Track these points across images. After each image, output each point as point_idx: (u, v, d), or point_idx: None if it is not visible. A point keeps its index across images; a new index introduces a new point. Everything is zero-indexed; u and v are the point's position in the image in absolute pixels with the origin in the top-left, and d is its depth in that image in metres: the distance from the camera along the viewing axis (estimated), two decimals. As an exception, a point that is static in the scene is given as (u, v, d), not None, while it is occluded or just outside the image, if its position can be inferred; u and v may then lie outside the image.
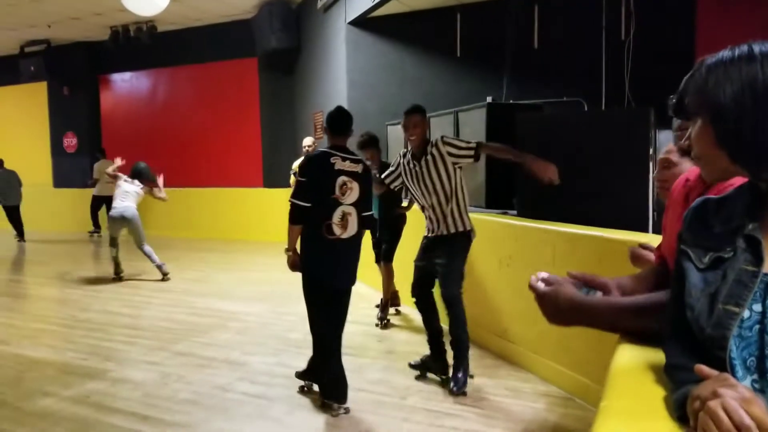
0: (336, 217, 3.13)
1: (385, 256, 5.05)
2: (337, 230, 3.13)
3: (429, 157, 3.55)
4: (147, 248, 6.72)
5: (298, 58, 9.54)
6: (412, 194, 3.79)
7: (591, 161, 3.60)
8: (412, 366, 3.74)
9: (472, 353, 3.91)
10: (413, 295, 3.73)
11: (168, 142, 11.21)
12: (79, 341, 4.61)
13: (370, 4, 6.57)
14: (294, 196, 3.14)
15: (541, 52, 6.73)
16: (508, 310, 3.91)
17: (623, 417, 0.91)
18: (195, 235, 10.65)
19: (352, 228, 3.19)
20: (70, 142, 12.18)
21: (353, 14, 7.07)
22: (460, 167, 3.53)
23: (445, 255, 3.50)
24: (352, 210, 3.19)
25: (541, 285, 1.36)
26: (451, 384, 3.43)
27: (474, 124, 4.88)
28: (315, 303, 3.22)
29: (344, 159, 3.19)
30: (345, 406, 3.20)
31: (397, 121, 6.33)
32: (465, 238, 3.55)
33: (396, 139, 6.32)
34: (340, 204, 3.14)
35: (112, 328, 4.96)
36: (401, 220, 5.07)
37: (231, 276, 7.04)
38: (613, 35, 6.19)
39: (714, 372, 0.84)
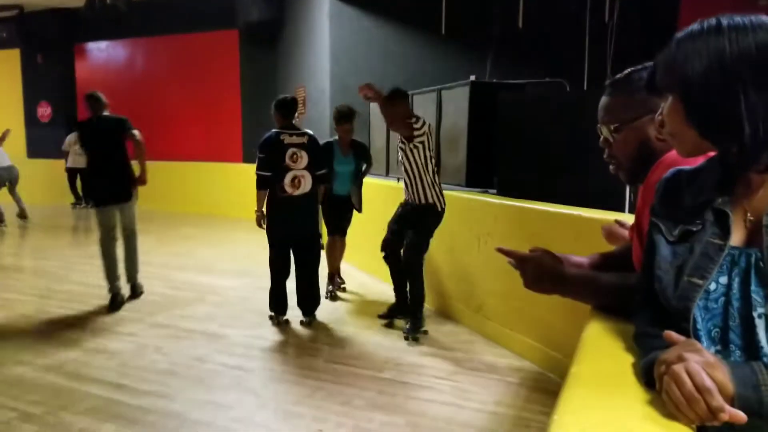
0: (288, 179, 4.07)
1: (343, 230, 5.15)
2: (288, 189, 4.08)
3: (401, 140, 3.96)
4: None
5: (281, 31, 9.39)
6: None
7: (570, 141, 3.62)
8: (380, 316, 4.27)
9: (449, 329, 3.97)
10: (383, 250, 4.13)
11: (146, 115, 10.96)
12: (54, 311, 4.56)
13: (355, -22, 6.47)
14: (258, 169, 4.12)
15: (526, 32, 6.71)
16: (485, 287, 3.96)
17: (593, 382, 0.93)
18: (174, 209, 10.53)
19: (305, 187, 4.14)
20: (44, 111, 11.88)
21: (337, -12, 6.96)
22: (415, 147, 3.85)
23: (414, 224, 3.97)
24: (305, 173, 4.13)
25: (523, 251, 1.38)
26: (406, 328, 3.96)
27: (457, 102, 4.87)
28: (273, 245, 4.22)
29: (291, 135, 4.13)
30: (309, 317, 4.31)
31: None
32: (431, 210, 3.92)
33: (378, 116, 6.28)
34: (292, 169, 4.08)
35: (89, 299, 4.90)
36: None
37: (211, 250, 7.00)
38: (596, 17, 6.21)
39: (681, 338, 0.86)
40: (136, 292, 5.00)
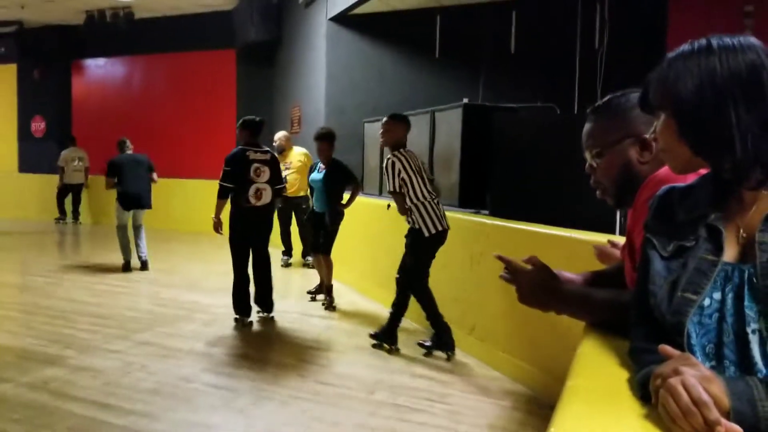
0: (251, 191, 4.49)
1: (324, 248, 5.23)
2: (252, 200, 4.51)
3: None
4: None
5: (278, 51, 9.48)
6: None
7: (561, 164, 3.65)
8: (420, 344, 4.05)
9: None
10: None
11: (140, 132, 10.96)
12: (39, 328, 4.49)
13: (352, 1, 6.57)
14: (221, 180, 4.52)
15: (518, 57, 6.81)
16: (478, 308, 3.94)
17: (588, 395, 0.92)
18: (165, 226, 10.46)
19: (266, 198, 4.58)
20: (38, 126, 11.86)
21: (335, 10, 7.05)
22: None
23: (407, 246, 4.02)
24: (266, 186, 4.57)
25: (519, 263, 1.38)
26: (376, 333, 4.06)
27: (450, 123, 4.92)
28: (235, 250, 4.64)
29: (256, 152, 4.59)
30: (271, 315, 4.77)
31: (375, 119, 6.35)
32: (415, 235, 3.94)
33: (372, 137, 6.32)
34: (255, 183, 4.51)
35: (75, 315, 4.84)
36: (340, 216, 5.21)
37: (199, 267, 6.95)
38: (587, 44, 6.31)
39: (677, 352, 0.85)
40: (146, 266, 6.73)
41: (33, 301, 5.37)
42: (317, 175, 5.21)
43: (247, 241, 4.60)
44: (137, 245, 6.78)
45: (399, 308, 4.04)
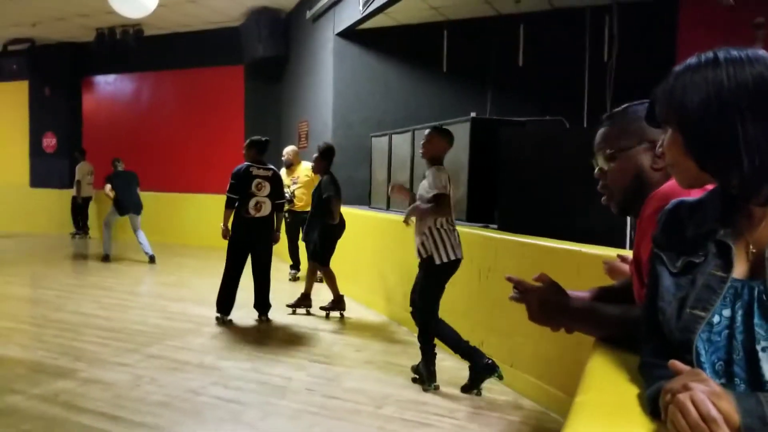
0: (252, 204, 4.97)
1: (311, 256, 5.40)
2: (251, 212, 4.99)
3: (423, 181, 3.72)
4: None
5: (285, 67, 9.56)
6: None
7: (570, 177, 3.64)
8: (464, 389, 3.61)
9: (451, 365, 3.92)
10: (412, 305, 3.87)
11: (149, 147, 11.10)
12: (50, 341, 4.51)
13: (359, 17, 6.63)
14: (228, 191, 4.99)
15: (526, 70, 6.84)
16: (486, 323, 3.92)
17: (598, 411, 0.92)
18: (173, 240, 10.53)
19: (265, 211, 5.05)
20: (50, 142, 12.00)
21: (342, 26, 7.12)
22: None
23: (421, 275, 3.73)
24: (266, 200, 5.04)
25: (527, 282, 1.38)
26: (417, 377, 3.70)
27: (458, 138, 4.90)
28: (231, 253, 5.08)
29: (259, 168, 5.07)
30: (265, 317, 5.21)
31: (382, 133, 6.39)
32: (426, 263, 3.63)
33: (380, 151, 6.35)
34: (256, 196, 4.99)
35: (85, 329, 4.86)
36: (333, 228, 5.26)
37: (207, 281, 6.94)
38: (595, 57, 6.33)
39: (686, 368, 0.85)
40: (153, 260, 8.21)
41: (43, 314, 5.40)
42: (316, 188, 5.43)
43: (246, 247, 5.07)
44: (141, 244, 8.27)
45: (426, 345, 3.66)
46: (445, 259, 3.58)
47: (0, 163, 11.01)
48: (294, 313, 5.49)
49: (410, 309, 3.88)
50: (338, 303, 5.40)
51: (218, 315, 5.09)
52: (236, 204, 4.98)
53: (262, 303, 5.20)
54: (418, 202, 3.65)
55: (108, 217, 8.38)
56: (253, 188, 4.99)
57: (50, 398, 3.37)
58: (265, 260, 5.16)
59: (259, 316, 5.23)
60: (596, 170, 1.41)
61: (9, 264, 8.31)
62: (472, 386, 3.59)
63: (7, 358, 4.12)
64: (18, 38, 11.11)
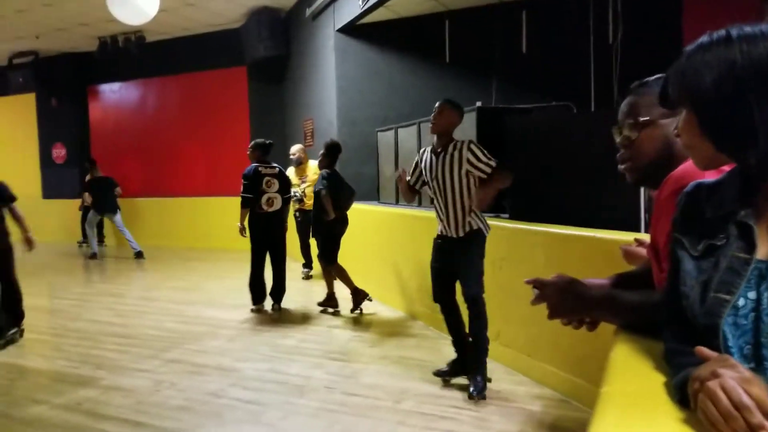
0: (264, 200, 5.42)
1: (321, 257, 5.43)
2: (265, 207, 5.43)
3: (447, 156, 3.48)
4: None
5: (287, 66, 9.55)
6: (429, 190, 3.68)
7: (581, 163, 3.61)
8: (437, 374, 3.63)
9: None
10: (435, 300, 3.69)
11: (157, 152, 11.16)
12: (69, 350, 4.55)
13: (359, 12, 6.59)
14: (242, 192, 5.41)
15: (530, 57, 6.77)
16: (501, 313, 3.90)
17: (625, 401, 0.90)
18: (184, 245, 10.59)
19: (277, 205, 5.50)
20: (59, 152, 12.08)
21: (342, 21, 7.09)
22: (473, 176, 3.45)
23: (464, 255, 3.48)
24: (277, 195, 5.50)
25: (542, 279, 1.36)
26: (471, 389, 3.37)
27: (464, 128, 4.87)
28: (254, 249, 5.56)
29: (266, 167, 5.51)
30: (278, 306, 5.63)
31: (388, 127, 6.36)
32: (478, 235, 3.49)
33: (387, 146, 6.33)
34: (267, 192, 5.43)
35: (103, 336, 4.90)
36: (331, 224, 5.23)
37: (219, 284, 6.99)
38: (600, 39, 6.24)
39: (714, 354, 0.83)
40: (141, 255, 9.14)
41: (62, 323, 5.45)
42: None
43: (266, 240, 5.51)
44: (129, 241, 9.28)
45: (485, 328, 3.47)
46: (487, 231, 3.52)
47: (12, 176, 10.98)
48: (325, 311, 5.55)
49: (439, 304, 3.65)
50: (329, 297, 5.50)
51: (253, 306, 5.60)
52: (251, 202, 5.40)
53: (277, 291, 5.62)
54: (487, 188, 3.42)
55: (90, 219, 9.53)
56: (264, 186, 5.43)
57: (73, 407, 3.40)
58: (280, 251, 5.61)
59: (272, 305, 5.60)
60: (619, 139, 1.38)
61: (25, 275, 8.32)
62: (452, 374, 3.61)
63: (29, 369, 4.17)
64: (22, 51, 11.19)
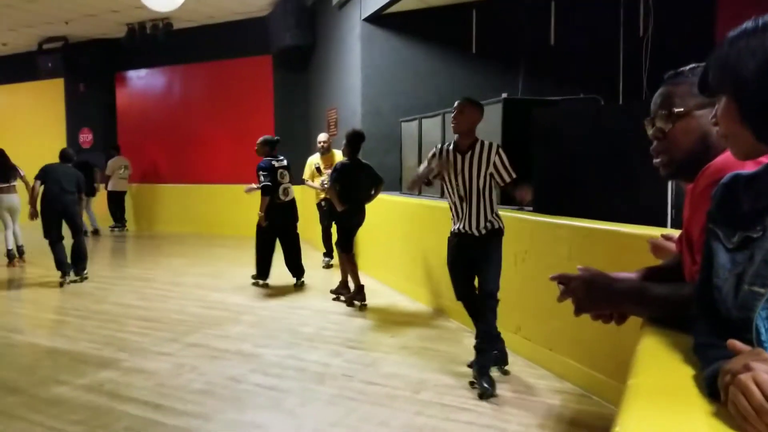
0: (280, 190, 5.97)
1: (340, 246, 5.38)
2: (282, 197, 5.98)
3: (474, 155, 3.50)
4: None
5: (313, 54, 9.55)
6: (446, 186, 3.66)
7: (608, 156, 3.55)
8: (470, 365, 3.56)
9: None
10: (458, 299, 3.70)
11: (182, 139, 11.27)
12: (93, 332, 4.64)
13: (386, 1, 6.55)
14: (264, 182, 5.86)
15: (558, 49, 6.67)
16: (523, 306, 3.88)
17: (653, 393, 0.88)
18: (209, 231, 10.71)
19: (291, 195, 6.10)
20: (86, 138, 12.29)
21: (368, 11, 7.06)
22: (494, 179, 3.53)
23: (486, 253, 3.49)
24: (289, 185, 6.09)
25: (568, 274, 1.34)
26: (484, 384, 3.29)
27: (490, 119, 4.83)
28: (263, 235, 6.07)
29: (278, 161, 6.03)
30: (300, 281, 6.23)
31: (412, 118, 6.33)
32: (499, 234, 3.54)
33: (410, 136, 6.31)
34: (281, 183, 5.99)
35: (126, 319, 4.99)
36: (350, 216, 5.27)
37: (243, 271, 7.04)
38: (630, 32, 6.12)
39: (746, 347, 0.81)
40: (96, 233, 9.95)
41: (86, 305, 5.56)
42: None
43: (277, 227, 6.01)
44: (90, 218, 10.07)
45: (495, 322, 3.50)
46: (501, 224, 3.57)
47: (40, 159, 11.21)
48: (338, 299, 5.58)
49: (462, 302, 3.68)
50: (359, 290, 5.37)
51: (257, 280, 6.20)
52: (271, 191, 5.84)
53: (297, 268, 6.17)
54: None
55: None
56: (279, 178, 5.95)
57: (96, 388, 3.46)
58: (294, 236, 6.19)
59: (296, 282, 6.17)
60: (653, 130, 1.33)
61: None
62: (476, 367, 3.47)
63: (53, 350, 4.26)
64: (52, 36, 11.35)
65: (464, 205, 3.54)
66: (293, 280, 6.21)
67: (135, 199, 11.79)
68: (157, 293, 6.04)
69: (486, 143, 3.54)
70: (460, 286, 3.65)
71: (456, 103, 3.57)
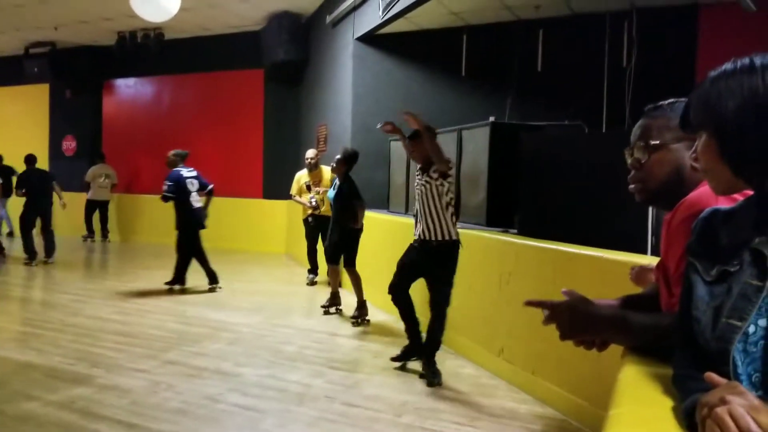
0: (191, 198, 6.65)
1: (347, 261, 5.50)
2: (193, 204, 6.66)
3: (427, 176, 3.93)
4: None
5: (305, 71, 9.60)
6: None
7: (591, 182, 3.59)
8: (394, 359, 4.12)
9: (470, 372, 3.88)
10: (392, 292, 4.05)
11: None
12: (66, 346, 4.53)
13: (379, 21, 6.62)
14: (166, 191, 6.53)
15: (545, 75, 6.78)
16: (507, 329, 3.87)
17: (633, 425, 0.89)
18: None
19: (202, 201, 6.65)
20: (69, 145, 12.14)
21: (361, 30, 7.12)
22: (445, 188, 3.86)
23: (438, 262, 3.89)
24: (196, 194, 6.64)
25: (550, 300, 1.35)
26: (433, 378, 3.80)
27: (477, 142, 4.89)
28: (188, 238, 6.73)
29: (188, 171, 6.73)
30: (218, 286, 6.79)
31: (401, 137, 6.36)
32: (453, 247, 3.88)
33: (399, 155, 6.33)
34: (192, 191, 6.64)
35: (102, 334, 4.88)
36: (353, 231, 5.41)
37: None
38: (615, 62, 6.26)
39: (723, 380, 0.83)
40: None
41: (60, 318, 5.43)
42: (332, 192, 5.58)
43: (196, 231, 6.72)
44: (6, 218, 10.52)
45: (442, 334, 3.97)
46: (456, 237, 3.92)
47: (20, 165, 11.11)
48: (327, 312, 5.67)
49: (393, 295, 4.06)
50: (361, 306, 5.41)
51: (173, 285, 6.76)
52: (174, 200, 6.51)
53: (212, 274, 6.76)
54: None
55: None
56: (188, 186, 6.53)
57: (67, 405, 3.37)
58: (199, 241, 6.78)
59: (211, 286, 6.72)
60: (631, 160, 1.40)
61: (24, 268, 8.39)
62: (406, 358, 4.12)
63: (24, 364, 4.14)
64: (40, 41, 11.25)
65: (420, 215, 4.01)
66: (277, 297, 6.16)
67: (117, 209, 11.66)
68: (134, 307, 5.94)
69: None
70: (402, 279, 4.14)
71: (405, 143, 4.17)
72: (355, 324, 5.33)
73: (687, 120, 1.02)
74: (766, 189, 0.90)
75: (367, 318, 5.39)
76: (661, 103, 1.37)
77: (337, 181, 5.54)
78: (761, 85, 0.87)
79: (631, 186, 1.41)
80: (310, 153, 7.08)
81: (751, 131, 0.88)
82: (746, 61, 0.91)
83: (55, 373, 3.91)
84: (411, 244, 4.08)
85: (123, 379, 3.81)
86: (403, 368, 4.09)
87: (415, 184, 4.11)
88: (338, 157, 5.42)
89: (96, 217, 11.17)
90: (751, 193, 0.97)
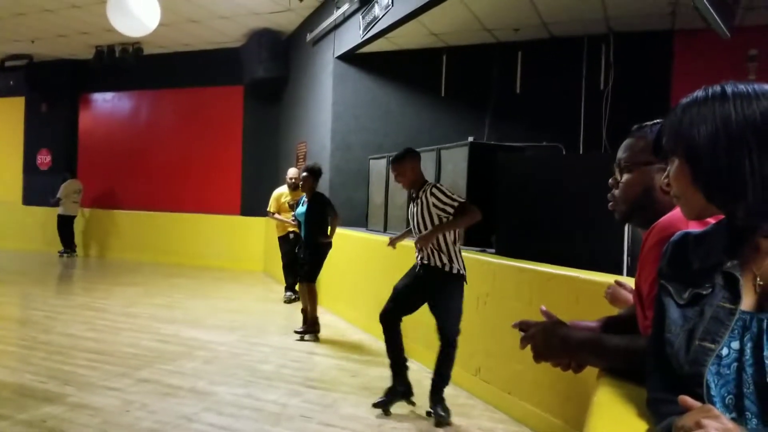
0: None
1: (306, 276, 5.45)
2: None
3: (420, 200, 3.67)
4: None
5: (284, 88, 9.61)
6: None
7: (568, 203, 3.65)
8: (376, 405, 3.63)
9: (447, 391, 3.86)
10: (383, 320, 3.75)
11: (146, 165, 11.09)
12: (38, 363, 4.42)
13: (359, 41, 6.68)
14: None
15: (523, 97, 6.90)
16: (484, 348, 3.88)
17: (607, 449, 0.89)
18: (168, 261, 10.46)
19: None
20: (44, 159, 11.95)
21: (342, 49, 7.17)
22: (446, 216, 3.56)
23: (443, 294, 3.58)
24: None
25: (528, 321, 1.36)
26: (442, 415, 3.45)
27: (456, 162, 4.94)
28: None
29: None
30: None
31: (381, 156, 6.40)
32: (458, 279, 3.60)
33: (378, 174, 6.36)
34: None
35: (74, 351, 4.78)
36: (325, 246, 5.45)
37: (201, 303, 6.89)
38: (592, 85, 6.40)
39: (697, 403, 0.83)
40: None
41: (32, 335, 5.31)
42: (302, 209, 5.52)
43: None
44: None
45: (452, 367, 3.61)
46: (463, 271, 3.60)
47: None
48: (302, 339, 5.41)
49: (385, 324, 3.76)
50: (312, 322, 5.42)
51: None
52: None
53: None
54: (434, 226, 3.56)
55: None
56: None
57: (37, 424, 3.28)
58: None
59: None
60: (611, 178, 1.44)
61: None
62: (391, 402, 3.65)
63: (-6, 380, 4.03)
64: (16, 54, 11.11)
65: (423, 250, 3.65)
66: (254, 315, 6.09)
67: (90, 224, 11.48)
68: (108, 324, 5.82)
69: (426, 186, 3.68)
70: (397, 306, 3.77)
71: (391, 166, 3.82)
72: (301, 339, 5.35)
73: (659, 146, 1.04)
74: (737, 214, 0.91)
75: (317, 335, 5.41)
76: (645, 123, 1.41)
77: (305, 198, 5.55)
78: (733, 113, 0.89)
79: (609, 204, 1.46)
80: (292, 172, 7.07)
81: (723, 157, 0.89)
82: (717, 89, 0.93)
83: (26, 392, 3.80)
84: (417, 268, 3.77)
85: (95, 397, 3.73)
86: (387, 413, 3.62)
87: (409, 208, 3.87)
88: (304, 173, 5.43)
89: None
90: (722, 216, 0.98)
